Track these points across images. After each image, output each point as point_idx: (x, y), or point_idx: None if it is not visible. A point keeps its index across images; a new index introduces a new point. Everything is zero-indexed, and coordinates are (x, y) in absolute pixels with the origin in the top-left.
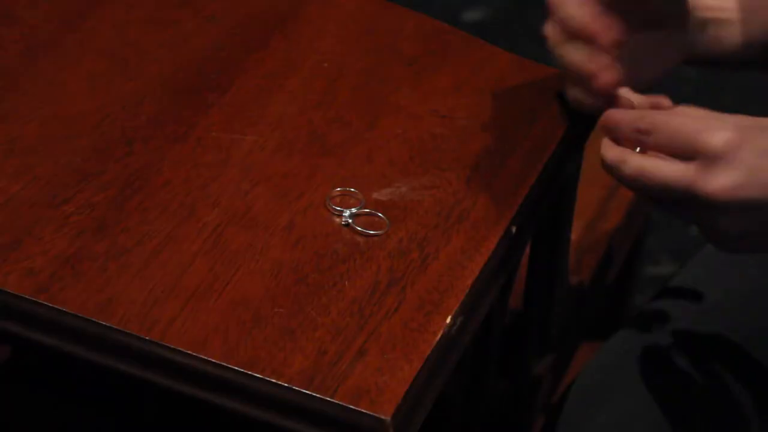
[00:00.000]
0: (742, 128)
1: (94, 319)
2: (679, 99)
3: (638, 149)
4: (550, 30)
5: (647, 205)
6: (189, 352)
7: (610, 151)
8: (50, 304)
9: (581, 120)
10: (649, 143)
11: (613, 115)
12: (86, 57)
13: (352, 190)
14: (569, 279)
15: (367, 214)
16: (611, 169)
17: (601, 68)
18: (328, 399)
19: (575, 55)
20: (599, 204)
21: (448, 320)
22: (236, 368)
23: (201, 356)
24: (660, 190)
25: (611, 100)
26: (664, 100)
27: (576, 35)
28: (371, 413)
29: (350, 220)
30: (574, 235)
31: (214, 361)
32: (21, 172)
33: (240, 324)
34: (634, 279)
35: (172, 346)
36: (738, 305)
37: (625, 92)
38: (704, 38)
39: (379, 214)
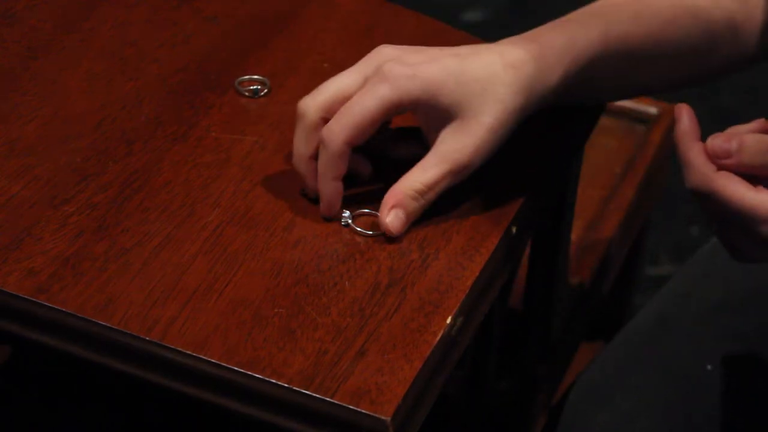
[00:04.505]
0: None
1: (94, 319)
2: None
3: None
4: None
5: (649, 206)
6: (189, 352)
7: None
8: (50, 304)
9: (581, 120)
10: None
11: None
12: (86, 57)
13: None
14: (569, 279)
15: (367, 214)
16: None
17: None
18: (328, 399)
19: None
20: (599, 204)
21: (448, 320)
22: (236, 368)
23: (201, 356)
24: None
25: None
26: None
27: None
28: (371, 413)
29: (350, 221)
30: (574, 235)
31: (214, 361)
32: (21, 172)
33: (240, 324)
34: (634, 279)
35: (172, 347)
36: (738, 305)
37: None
38: None
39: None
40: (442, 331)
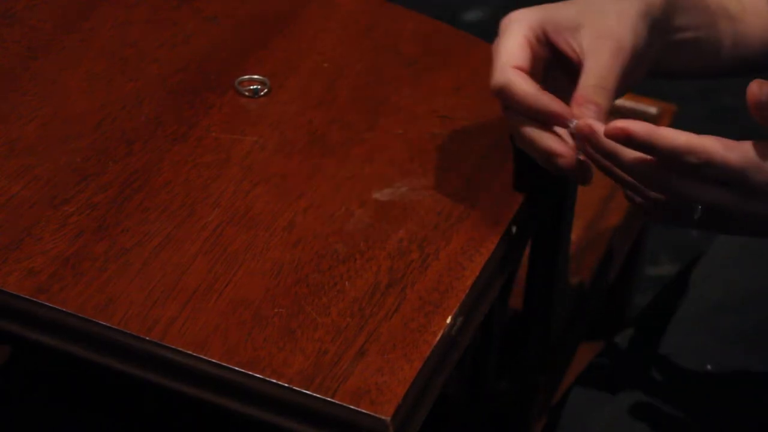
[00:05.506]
0: None
1: (94, 319)
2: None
3: None
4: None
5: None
6: (189, 352)
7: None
8: (50, 304)
9: None
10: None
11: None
12: (86, 57)
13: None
14: (569, 279)
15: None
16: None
17: (566, 149)
18: (329, 399)
19: (539, 135)
20: (599, 204)
21: (448, 320)
22: (236, 368)
23: (201, 356)
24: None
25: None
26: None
27: (535, 116)
28: (371, 413)
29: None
30: (574, 235)
31: (214, 361)
32: (21, 172)
33: (240, 324)
34: (634, 279)
35: (172, 347)
36: (738, 305)
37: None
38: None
39: None
40: (442, 331)
